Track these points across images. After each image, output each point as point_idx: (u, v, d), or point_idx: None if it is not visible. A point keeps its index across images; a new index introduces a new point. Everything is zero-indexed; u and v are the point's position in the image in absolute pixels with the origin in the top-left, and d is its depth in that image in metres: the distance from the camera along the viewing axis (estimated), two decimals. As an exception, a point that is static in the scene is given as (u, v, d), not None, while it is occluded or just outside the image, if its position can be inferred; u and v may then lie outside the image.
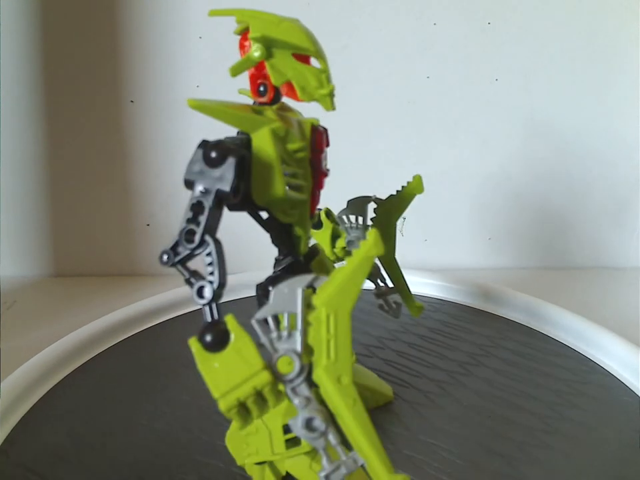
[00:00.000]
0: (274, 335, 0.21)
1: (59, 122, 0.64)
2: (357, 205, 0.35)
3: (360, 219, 0.35)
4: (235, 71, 0.24)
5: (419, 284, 0.54)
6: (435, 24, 0.62)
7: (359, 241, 0.33)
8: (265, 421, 0.27)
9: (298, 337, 0.20)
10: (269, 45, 0.24)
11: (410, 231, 0.67)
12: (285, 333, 0.20)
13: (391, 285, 0.35)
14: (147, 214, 0.67)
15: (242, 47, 0.26)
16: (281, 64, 0.25)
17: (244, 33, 0.25)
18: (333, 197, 0.33)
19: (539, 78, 0.64)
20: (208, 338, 0.20)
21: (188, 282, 0.22)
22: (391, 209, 0.34)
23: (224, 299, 0.21)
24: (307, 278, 0.21)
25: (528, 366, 0.41)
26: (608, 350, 0.42)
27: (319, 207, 0.30)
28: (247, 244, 0.55)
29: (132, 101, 0.64)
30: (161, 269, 0.64)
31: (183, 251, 0.22)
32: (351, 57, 0.62)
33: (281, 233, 0.27)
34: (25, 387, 0.37)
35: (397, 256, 0.34)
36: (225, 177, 0.21)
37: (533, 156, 0.67)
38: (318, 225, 0.36)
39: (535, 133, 0.66)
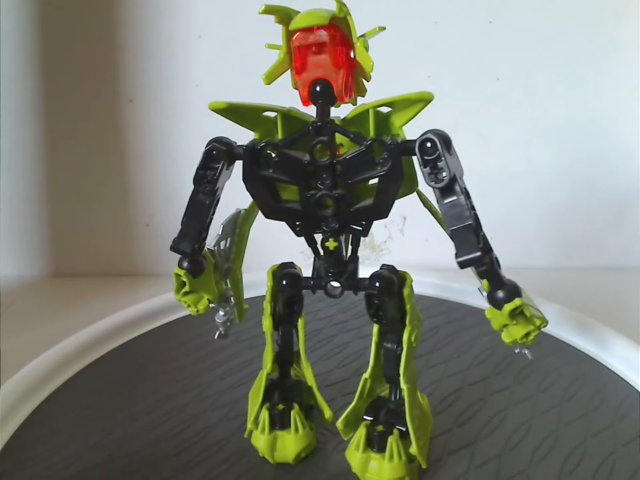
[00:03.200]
0: None
1: (57, 121, 0.64)
2: (231, 224, 0.31)
3: (229, 241, 0.31)
4: (372, 67, 0.24)
5: (419, 284, 0.53)
6: (435, 23, 0.62)
7: (230, 267, 0.31)
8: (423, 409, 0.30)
9: None
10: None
11: (410, 231, 0.68)
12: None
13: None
14: (146, 214, 0.67)
15: (326, 45, 0.24)
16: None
17: (324, 28, 0.24)
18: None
19: (540, 77, 0.64)
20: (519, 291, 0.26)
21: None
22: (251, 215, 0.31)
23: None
24: None
25: (526, 364, 0.41)
26: (608, 348, 0.42)
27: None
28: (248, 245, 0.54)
29: (131, 101, 0.64)
30: (161, 269, 0.64)
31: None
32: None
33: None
34: (26, 389, 0.37)
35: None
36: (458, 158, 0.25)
37: (533, 156, 0.67)
38: (200, 268, 0.29)
39: (536, 132, 0.66)
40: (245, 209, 0.31)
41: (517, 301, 0.25)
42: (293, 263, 0.30)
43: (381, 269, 0.28)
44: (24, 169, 0.65)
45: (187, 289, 0.29)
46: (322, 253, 0.28)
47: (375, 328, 0.29)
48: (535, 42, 0.63)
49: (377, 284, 0.27)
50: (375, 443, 0.28)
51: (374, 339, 0.29)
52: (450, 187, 0.24)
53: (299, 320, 0.30)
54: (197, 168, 0.26)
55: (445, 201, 0.25)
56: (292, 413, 0.30)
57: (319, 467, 0.30)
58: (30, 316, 0.55)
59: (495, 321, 0.27)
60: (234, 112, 0.25)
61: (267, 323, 0.30)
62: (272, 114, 0.26)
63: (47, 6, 0.61)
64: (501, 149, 0.66)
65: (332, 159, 0.25)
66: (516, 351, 0.28)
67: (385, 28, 0.25)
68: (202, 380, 0.39)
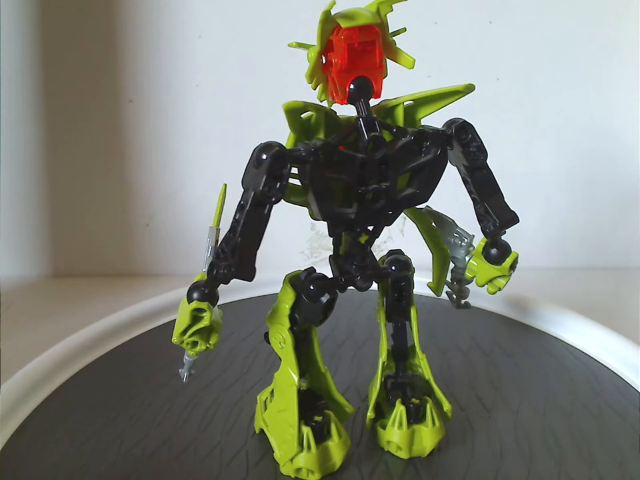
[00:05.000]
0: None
1: (57, 121, 0.64)
2: (215, 242, 0.28)
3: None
4: (413, 64, 0.26)
5: (419, 284, 0.53)
6: (435, 23, 0.62)
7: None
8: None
9: None
10: None
11: (411, 231, 0.67)
12: None
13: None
14: (146, 214, 0.67)
15: (375, 44, 0.25)
16: None
17: (371, 27, 0.25)
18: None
19: (540, 77, 0.64)
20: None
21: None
22: None
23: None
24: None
25: (527, 364, 0.41)
26: (608, 348, 0.42)
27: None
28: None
29: (131, 101, 0.64)
30: (161, 270, 0.64)
31: None
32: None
33: None
34: (26, 389, 0.37)
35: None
36: None
37: (534, 156, 0.67)
38: (217, 297, 0.26)
39: (536, 132, 0.66)
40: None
41: (515, 253, 0.30)
42: (313, 267, 0.29)
43: (389, 255, 0.31)
44: (24, 168, 0.65)
45: (206, 323, 0.25)
46: (351, 249, 0.28)
47: (381, 313, 0.31)
48: (535, 42, 0.63)
49: (400, 267, 0.30)
50: (412, 416, 0.30)
51: (382, 323, 0.31)
52: (485, 164, 0.28)
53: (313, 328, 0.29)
54: (266, 176, 0.24)
55: (477, 176, 0.29)
56: (330, 421, 0.29)
57: (355, 465, 0.30)
58: (30, 316, 0.55)
59: (481, 277, 0.30)
60: (300, 112, 0.25)
61: (285, 337, 0.28)
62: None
63: (46, 5, 0.61)
64: (501, 149, 0.66)
65: (385, 152, 0.26)
66: (462, 302, 0.34)
67: (406, 29, 0.27)
68: (205, 381, 0.40)
